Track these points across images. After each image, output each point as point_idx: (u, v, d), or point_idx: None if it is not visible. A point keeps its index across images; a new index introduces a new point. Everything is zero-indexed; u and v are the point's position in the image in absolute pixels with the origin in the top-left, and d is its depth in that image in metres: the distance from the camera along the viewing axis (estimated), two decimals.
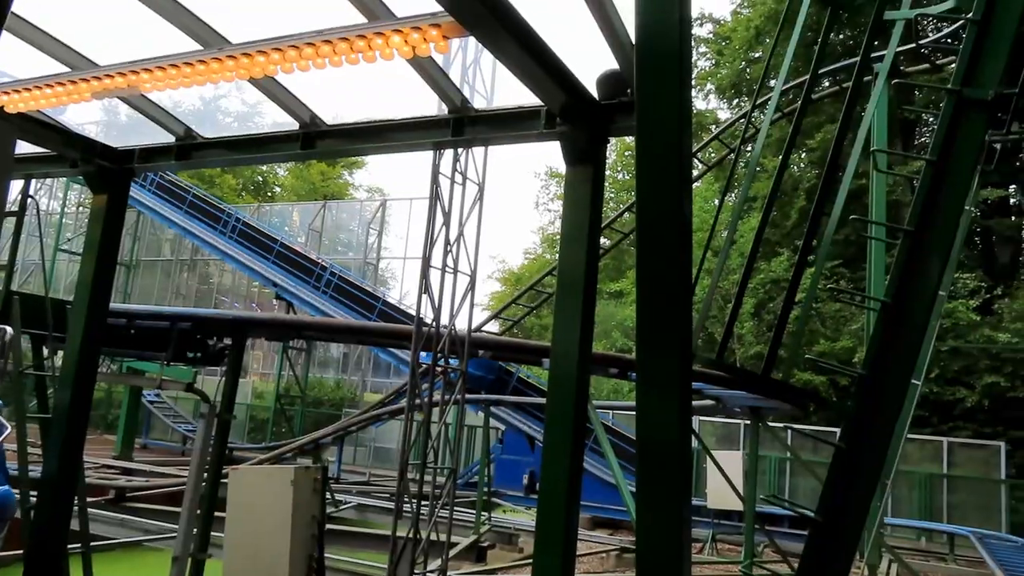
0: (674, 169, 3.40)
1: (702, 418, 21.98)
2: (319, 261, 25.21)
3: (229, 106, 54.33)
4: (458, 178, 5.44)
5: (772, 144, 27.90)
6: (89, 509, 9.60)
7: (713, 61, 35.88)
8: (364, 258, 32.17)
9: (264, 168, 47.82)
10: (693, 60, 37.51)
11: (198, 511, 6.90)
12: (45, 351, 6.60)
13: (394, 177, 71.95)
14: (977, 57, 4.27)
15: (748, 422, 13.02)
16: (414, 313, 5.49)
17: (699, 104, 38.40)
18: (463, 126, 4.23)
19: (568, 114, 3.84)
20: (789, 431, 20.65)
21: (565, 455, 3.84)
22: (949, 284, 15.66)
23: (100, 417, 32.28)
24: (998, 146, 15.04)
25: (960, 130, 4.18)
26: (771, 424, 11.71)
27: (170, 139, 5.09)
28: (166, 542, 10.53)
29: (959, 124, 4.19)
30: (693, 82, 37.81)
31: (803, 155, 28.31)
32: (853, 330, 23.59)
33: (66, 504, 5.50)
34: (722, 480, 11.31)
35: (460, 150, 5.49)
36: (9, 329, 4.82)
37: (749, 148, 31.94)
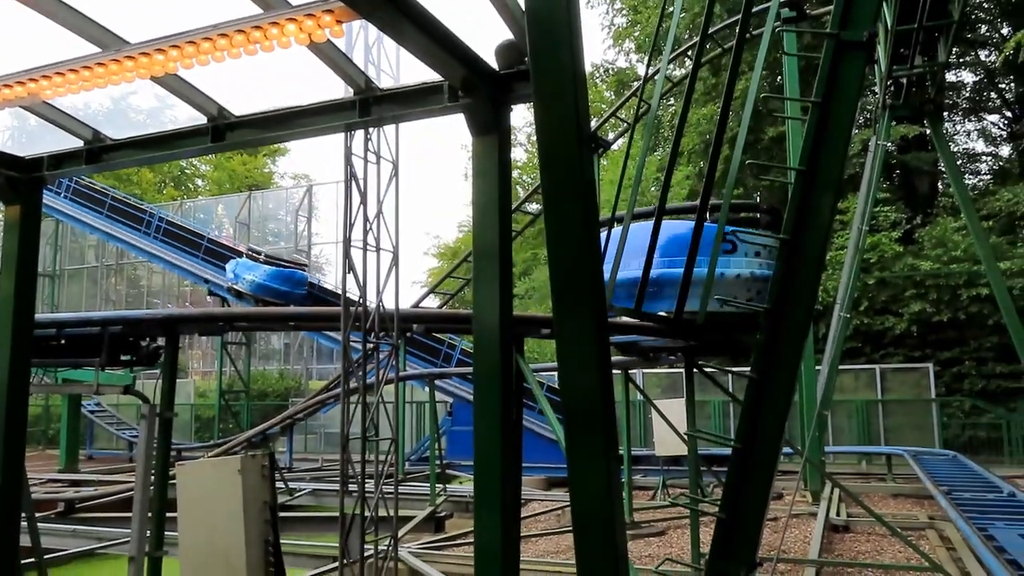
0: (572, 132, 3.57)
1: (645, 371, 22.59)
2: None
3: (139, 103, 52.55)
4: (371, 157, 5.53)
5: (699, 98, 28.44)
6: (41, 523, 9.51)
7: (629, 18, 36.19)
8: (295, 246, 31.77)
9: (184, 162, 46.61)
10: (611, 19, 37.79)
11: (149, 512, 6.95)
12: None
13: (318, 162, 70.79)
14: (851, 1, 4.53)
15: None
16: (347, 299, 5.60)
17: (621, 63, 38.79)
18: (369, 106, 4.32)
19: (469, 87, 3.97)
20: (729, 375, 21.41)
21: (495, 416, 4.02)
22: (869, 218, 16.34)
23: (40, 433, 31.40)
24: (904, 80, 15.71)
25: (840, 71, 4.46)
26: (707, 369, 12.21)
27: (79, 144, 5.05)
28: (122, 547, 10.47)
29: (839, 65, 4.46)
30: (611, 41, 37.97)
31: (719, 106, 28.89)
32: None
33: (13, 520, 5.48)
34: (668, 429, 11.75)
35: (371, 130, 5.57)
36: None
37: (671, 103, 32.47)
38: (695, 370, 10.06)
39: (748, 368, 4.25)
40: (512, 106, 4.16)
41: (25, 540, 6.32)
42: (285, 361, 32.66)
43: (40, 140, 5.39)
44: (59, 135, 5.30)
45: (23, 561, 6.33)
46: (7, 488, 5.26)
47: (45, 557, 6.82)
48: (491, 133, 4.10)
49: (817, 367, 16.06)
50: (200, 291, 25.06)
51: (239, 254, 23.55)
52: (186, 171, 47.46)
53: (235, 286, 22.67)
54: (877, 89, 15.65)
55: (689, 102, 5.71)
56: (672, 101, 31.94)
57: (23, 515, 6.05)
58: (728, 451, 13.56)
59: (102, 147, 5.03)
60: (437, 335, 20.23)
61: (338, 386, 19.98)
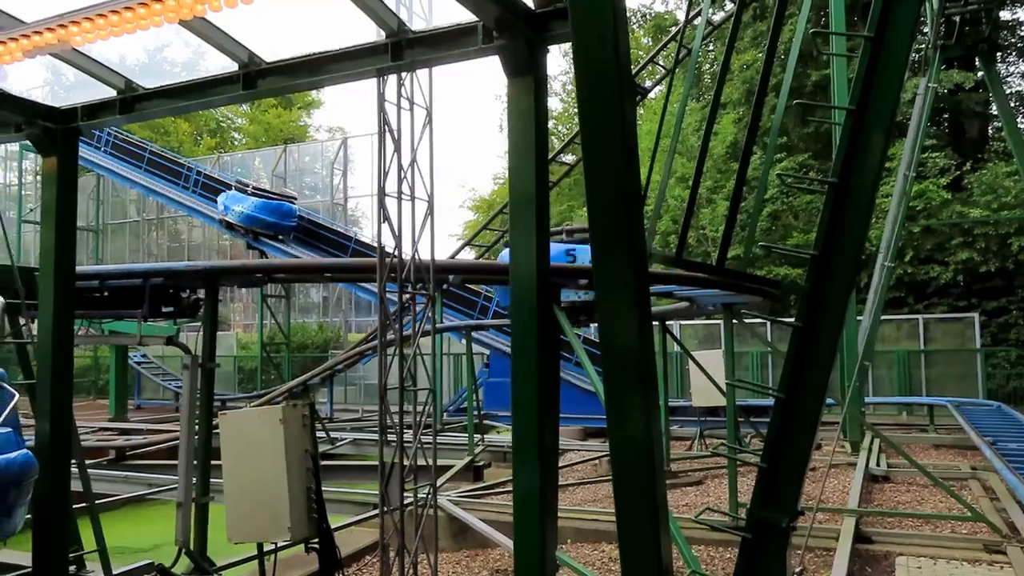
0: (611, 72, 3.43)
1: (683, 322, 22.43)
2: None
3: (174, 56, 52.74)
4: (405, 104, 5.42)
5: (740, 44, 27.60)
6: (92, 470, 9.81)
7: None
8: (331, 199, 31.85)
9: (219, 115, 46.85)
10: None
11: (195, 459, 7.10)
12: (22, 320, 6.62)
13: (353, 115, 70.47)
14: None
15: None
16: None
17: (658, 7, 37.77)
18: (402, 49, 4.21)
19: (504, 26, 3.83)
20: (768, 325, 21.17)
21: (532, 365, 3.97)
22: (916, 164, 15.83)
23: (90, 383, 32.39)
24: (957, 19, 15.03)
25: (895, 3, 4.22)
26: (748, 321, 12.00)
27: (112, 93, 5.03)
28: (170, 493, 10.78)
29: None
30: None
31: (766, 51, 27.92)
32: None
33: (64, 466, 5.62)
34: (705, 380, 11.66)
35: (404, 75, 5.46)
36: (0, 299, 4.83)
37: (712, 49, 31.56)
38: (734, 320, 9.94)
39: (790, 319, 4.13)
40: (549, 46, 4.02)
41: (77, 486, 6.51)
42: (324, 314, 33.04)
43: (76, 95, 5.38)
44: (94, 90, 5.28)
45: (76, 506, 6.54)
46: (57, 436, 5.40)
47: (97, 503, 7.03)
48: (527, 74, 3.97)
49: (859, 317, 15.78)
50: (240, 245, 25.31)
51: (229, 187, 23.67)
52: (222, 124, 47.72)
53: (226, 218, 23.12)
54: (928, 29, 15.01)
55: (733, 45, 5.49)
56: (712, 47, 31.08)
57: (74, 462, 6.22)
58: (766, 403, 13.53)
59: (135, 96, 5.00)
60: (473, 287, 20.26)
61: (376, 338, 20.22)
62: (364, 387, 26.74)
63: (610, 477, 12.73)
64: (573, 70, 3.73)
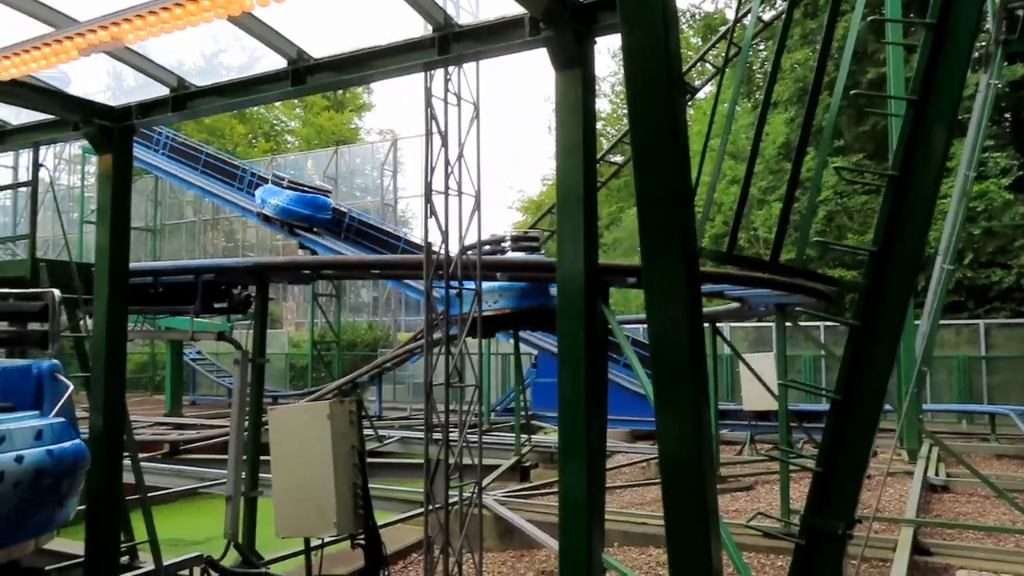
0: (662, 64, 3.35)
1: (733, 324, 22.04)
2: (337, 207, 25.27)
3: (229, 60, 53.96)
4: (452, 99, 5.40)
5: (795, 42, 27.05)
6: (146, 463, 10.03)
7: None
8: (381, 200, 32.16)
9: (273, 117, 47.73)
10: None
11: (244, 454, 7.20)
12: (79, 314, 6.78)
13: (402, 118, 71.10)
14: None
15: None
16: (433, 246, 5.54)
17: (707, 6, 37.29)
18: (449, 43, 4.19)
19: (552, 18, 3.78)
20: (822, 328, 20.68)
21: (579, 364, 3.91)
22: (977, 164, 15.29)
23: (147, 379, 33.24)
24: (1021, 12, 14.46)
25: None
26: (802, 324, 11.74)
27: (165, 92, 5.12)
28: (222, 487, 10.97)
29: None
30: None
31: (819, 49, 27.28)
32: None
33: (116, 458, 5.74)
34: (756, 383, 11.42)
35: (451, 70, 5.44)
36: (57, 292, 4.95)
37: (762, 48, 31.00)
38: (786, 322, 9.71)
39: (843, 318, 3.97)
40: (596, 38, 3.95)
41: (130, 478, 6.65)
42: (374, 313, 33.38)
43: (135, 99, 5.49)
44: (152, 92, 5.38)
45: (129, 498, 6.68)
46: (110, 428, 5.51)
47: (150, 495, 7.16)
48: (574, 67, 3.90)
49: (916, 321, 15.29)
50: (292, 245, 25.73)
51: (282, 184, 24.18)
52: (276, 126, 48.62)
53: (263, 211, 23.70)
54: (990, 24, 14.47)
55: (784, 43, 5.32)
56: (762, 47, 30.52)
57: (127, 455, 6.34)
58: (819, 407, 13.20)
59: (187, 94, 5.08)
60: None
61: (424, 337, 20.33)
62: (412, 385, 26.93)
63: (659, 480, 12.58)
64: (622, 65, 3.65)
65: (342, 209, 24.83)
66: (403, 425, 19.19)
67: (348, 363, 27.51)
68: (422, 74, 5.22)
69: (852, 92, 4.99)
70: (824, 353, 18.78)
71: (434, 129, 5.26)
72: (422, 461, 6.34)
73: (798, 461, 6.69)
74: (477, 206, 5.41)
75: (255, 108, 45.46)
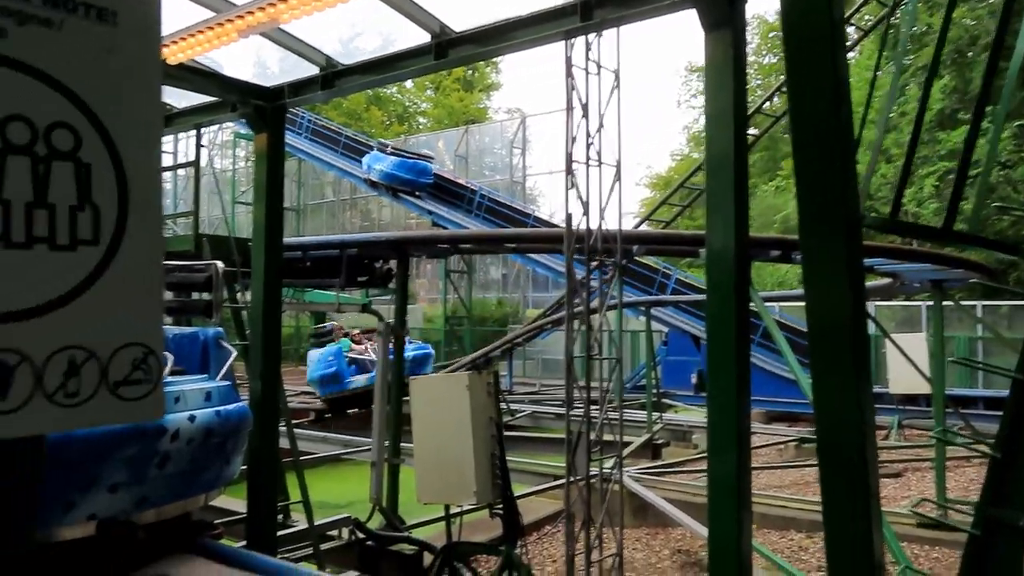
0: (824, 19, 3.13)
1: (878, 303, 20.79)
2: (468, 185, 25.71)
3: (366, 44, 55.72)
4: (592, 67, 5.30)
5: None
6: (295, 430, 10.60)
7: None
8: (511, 177, 32.39)
9: (406, 100, 49.00)
10: None
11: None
12: (236, 287, 7.21)
13: (530, 96, 71.25)
14: None
15: (930, 303, 12.17)
16: (564, 225, 5.48)
17: None
18: (591, 9, 4.09)
19: None
20: (980, 307, 19.15)
21: (729, 341, 3.75)
22: None
23: (293, 351, 35.16)
24: None
25: None
26: (963, 303, 10.85)
27: (314, 71, 5.30)
28: (363, 454, 11.46)
29: None
30: None
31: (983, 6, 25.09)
32: None
33: (273, 422, 6.08)
34: (904, 365, 10.71)
35: (591, 38, 5.33)
36: (220, 264, 5.26)
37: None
38: (943, 299, 9.02)
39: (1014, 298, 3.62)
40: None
41: (283, 443, 7.03)
42: (503, 290, 33.81)
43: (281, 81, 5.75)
44: (296, 76, 5.61)
45: (283, 460, 7.07)
46: (267, 394, 5.83)
47: (303, 458, 7.55)
48: (724, 27, 3.72)
49: None
50: (425, 223, 26.46)
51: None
52: (409, 109, 49.91)
53: (369, 176, 25.07)
54: None
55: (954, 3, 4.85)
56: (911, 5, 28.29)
57: (282, 420, 6.70)
58: (977, 392, 12.24)
59: (334, 73, 5.24)
60: (650, 264, 19.91)
61: (555, 312, 20.38)
62: (542, 361, 27.13)
63: (797, 463, 12.10)
64: (780, 19, 3.44)
65: (472, 187, 25.27)
66: (532, 400, 19.36)
67: (478, 337, 28.04)
68: (553, 46, 5.13)
69: None
70: (988, 334, 17.35)
71: (575, 101, 5.19)
72: (552, 436, 6.38)
73: (976, 446, 6.20)
74: (618, 176, 5.30)
75: (389, 92, 46.87)
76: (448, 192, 25.42)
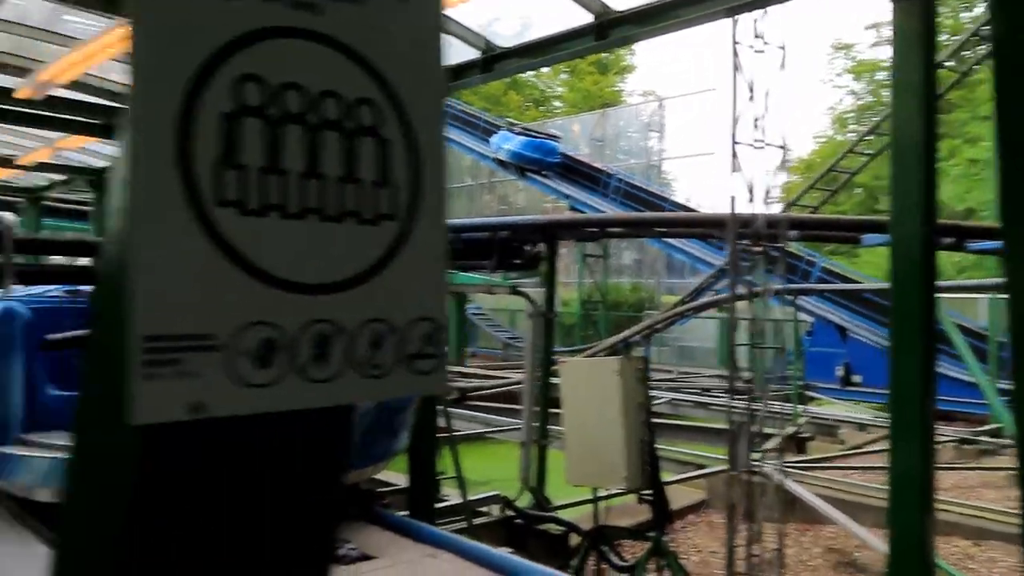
0: None
1: None
2: (604, 169, 25.51)
3: (503, 29, 56.20)
4: (756, 45, 5.10)
5: None
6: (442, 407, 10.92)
7: None
8: (647, 161, 31.87)
9: (543, 84, 49.16)
10: None
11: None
12: None
13: (664, 78, 69.92)
14: None
15: None
16: (700, 211, 5.34)
17: None
18: None
19: None
20: None
21: (915, 332, 3.52)
22: None
23: None
24: None
25: None
26: None
27: (474, 55, 5.39)
28: (506, 434, 11.68)
29: None
30: None
31: None
32: None
33: (433, 400, 6.22)
34: None
35: (757, 14, 5.12)
36: None
37: None
38: None
39: None
40: None
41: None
42: (637, 275, 33.41)
43: None
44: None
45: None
46: None
47: (455, 435, 7.75)
48: None
49: None
50: (562, 207, 26.53)
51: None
52: (545, 93, 50.03)
53: (497, 155, 25.57)
54: None
55: None
56: None
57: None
58: None
59: (493, 56, 5.30)
60: (793, 251, 19.09)
61: (695, 298, 19.94)
62: (678, 348, 26.65)
63: (956, 463, 11.25)
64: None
65: (608, 170, 25.07)
66: (669, 387, 19.04)
67: (613, 322, 27.86)
68: (690, 30, 4.91)
69: None
70: None
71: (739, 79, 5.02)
72: (694, 424, 6.22)
73: None
74: (783, 159, 5.10)
75: (526, 76, 47.13)
76: (582, 175, 25.32)
